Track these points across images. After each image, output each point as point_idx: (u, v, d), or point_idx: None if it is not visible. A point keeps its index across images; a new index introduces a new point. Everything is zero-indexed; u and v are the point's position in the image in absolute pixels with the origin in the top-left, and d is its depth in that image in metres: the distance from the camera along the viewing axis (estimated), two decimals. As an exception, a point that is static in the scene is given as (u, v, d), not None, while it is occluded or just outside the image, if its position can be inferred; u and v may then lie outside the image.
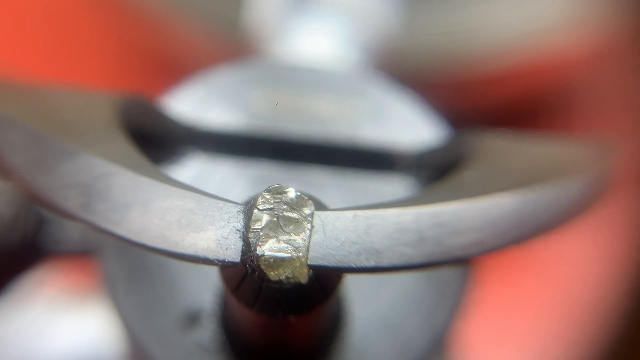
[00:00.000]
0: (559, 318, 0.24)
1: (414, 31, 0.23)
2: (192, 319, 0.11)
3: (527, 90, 0.25)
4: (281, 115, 0.12)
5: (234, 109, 0.12)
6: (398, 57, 0.19)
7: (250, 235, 0.08)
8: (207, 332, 0.11)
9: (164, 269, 0.11)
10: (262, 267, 0.08)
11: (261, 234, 0.08)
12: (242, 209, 0.09)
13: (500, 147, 0.10)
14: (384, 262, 0.08)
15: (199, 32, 0.23)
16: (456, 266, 0.11)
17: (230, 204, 0.09)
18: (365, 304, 0.11)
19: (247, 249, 0.08)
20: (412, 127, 0.12)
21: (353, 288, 0.11)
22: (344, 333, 0.11)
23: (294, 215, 0.09)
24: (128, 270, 0.11)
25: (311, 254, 0.08)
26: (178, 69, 0.24)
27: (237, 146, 0.12)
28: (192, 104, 0.12)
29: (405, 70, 0.23)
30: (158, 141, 0.11)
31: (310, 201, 0.09)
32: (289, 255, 0.08)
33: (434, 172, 0.12)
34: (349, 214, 0.09)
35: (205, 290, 0.11)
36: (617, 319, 0.22)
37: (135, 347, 0.11)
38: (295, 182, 0.12)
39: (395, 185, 0.12)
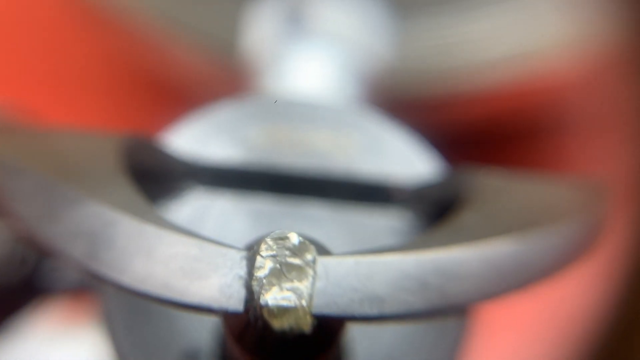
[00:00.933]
0: (547, 335, 0.24)
1: (406, 52, 0.23)
2: (191, 358, 0.11)
3: (519, 112, 0.25)
4: (279, 150, 0.12)
5: (233, 144, 0.12)
6: (388, 81, 0.20)
7: (254, 283, 0.08)
8: None
9: (163, 307, 0.11)
10: (266, 316, 0.08)
11: (264, 281, 0.08)
12: (245, 255, 0.09)
13: (497, 187, 0.11)
14: (387, 310, 0.08)
15: (194, 54, 0.23)
16: (457, 313, 0.11)
17: (234, 251, 0.09)
18: (365, 343, 0.11)
19: (251, 297, 0.08)
20: (406, 161, 0.12)
21: (355, 327, 0.11)
22: None
23: (297, 261, 0.09)
24: (127, 307, 0.11)
25: (314, 302, 0.08)
26: (173, 92, 0.24)
27: (236, 180, 0.12)
28: (191, 139, 0.12)
29: (396, 92, 0.23)
30: (159, 177, 0.11)
31: (313, 246, 0.09)
32: (293, 304, 0.08)
33: (429, 207, 0.12)
34: (351, 259, 0.09)
35: (204, 328, 0.11)
36: (605, 336, 0.23)
37: None
38: (292, 216, 0.12)
39: (391, 219, 0.12)
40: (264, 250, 0.09)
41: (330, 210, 0.12)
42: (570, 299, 0.24)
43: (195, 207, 0.12)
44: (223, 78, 0.23)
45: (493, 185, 0.11)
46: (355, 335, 0.11)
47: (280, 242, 0.09)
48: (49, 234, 0.08)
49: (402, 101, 0.23)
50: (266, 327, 0.08)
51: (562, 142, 0.26)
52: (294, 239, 0.09)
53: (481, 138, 0.25)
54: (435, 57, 0.24)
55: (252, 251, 0.09)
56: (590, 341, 0.23)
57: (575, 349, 0.23)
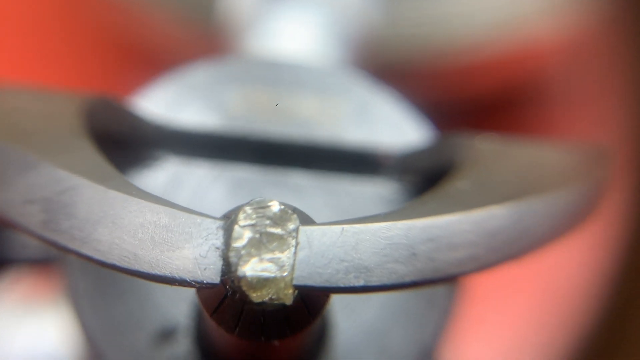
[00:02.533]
0: (540, 307, 0.23)
1: (392, 22, 0.23)
2: (165, 334, 0.10)
3: (505, 80, 0.25)
4: (260, 115, 0.11)
5: (210, 108, 0.11)
6: (375, 47, 0.19)
7: (231, 254, 0.08)
8: (182, 349, 0.10)
9: (133, 280, 0.10)
10: (244, 288, 0.08)
11: (243, 252, 0.08)
12: (221, 224, 0.08)
13: (490, 153, 0.10)
14: (374, 281, 0.08)
15: (172, 19, 0.22)
16: (449, 283, 0.10)
17: (209, 220, 0.08)
18: (349, 314, 0.10)
19: (228, 269, 0.08)
20: (397, 128, 0.11)
21: (337, 297, 0.10)
22: (327, 347, 0.10)
23: (278, 230, 0.08)
24: (93, 281, 0.10)
25: (296, 273, 0.08)
26: (150, 59, 0.23)
27: (213, 148, 0.11)
28: (164, 103, 0.11)
29: (382, 60, 0.22)
30: (128, 144, 0.11)
31: (295, 215, 0.08)
32: (273, 275, 0.08)
33: (419, 175, 0.11)
34: (337, 228, 0.08)
35: (178, 302, 0.10)
36: (599, 307, 0.22)
37: None
38: (275, 186, 0.11)
39: (379, 189, 0.11)
40: (242, 219, 0.08)
41: (315, 180, 0.11)
42: (566, 272, 0.24)
43: (169, 176, 0.11)
44: (200, 40, 0.22)
45: (487, 151, 0.10)
46: (336, 307, 0.10)
47: (260, 210, 0.08)
48: None
49: (388, 70, 0.23)
50: (244, 299, 0.08)
51: (550, 110, 0.25)
52: (275, 207, 0.08)
53: (469, 107, 0.24)
54: (420, 29, 0.23)
55: (229, 220, 0.08)
56: (586, 314, 0.22)
57: (570, 322, 0.23)
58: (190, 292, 0.10)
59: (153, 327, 0.10)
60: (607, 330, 0.22)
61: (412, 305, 0.10)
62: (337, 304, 0.10)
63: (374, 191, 0.11)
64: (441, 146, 0.11)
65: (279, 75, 0.11)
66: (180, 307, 0.10)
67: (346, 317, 0.10)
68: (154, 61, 0.23)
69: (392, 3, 0.23)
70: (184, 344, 0.10)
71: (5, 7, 0.25)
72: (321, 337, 0.10)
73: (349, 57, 0.15)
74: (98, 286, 0.10)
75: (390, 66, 0.23)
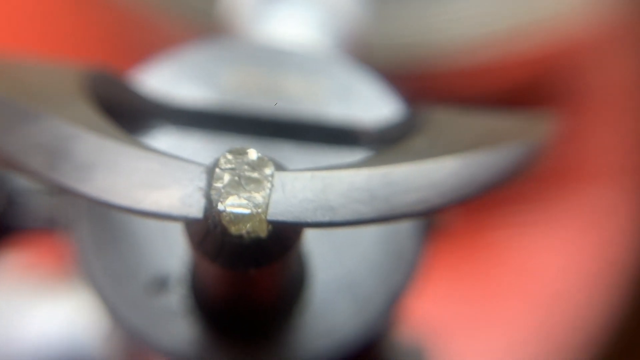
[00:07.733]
0: (535, 306, 0.24)
1: (394, 25, 0.23)
2: (161, 284, 0.11)
3: (524, 80, 0.25)
4: (250, 92, 0.12)
5: (204, 85, 0.12)
6: (376, 49, 0.19)
7: (213, 192, 0.09)
8: (176, 297, 0.11)
9: (134, 237, 0.11)
10: (224, 222, 0.09)
11: (223, 191, 0.09)
12: (205, 169, 0.09)
13: (448, 118, 0.11)
14: (338, 218, 0.09)
15: (171, 15, 0.23)
16: (404, 221, 0.11)
17: (194, 165, 0.09)
18: (327, 268, 0.11)
19: (210, 205, 0.09)
20: (374, 105, 0.12)
21: (316, 254, 0.11)
22: (306, 295, 0.11)
23: (255, 175, 0.09)
24: (98, 240, 0.11)
25: (270, 210, 0.09)
26: (148, 49, 0.24)
27: (207, 121, 0.12)
28: (161, 79, 0.12)
29: (384, 62, 0.23)
30: (125, 115, 0.12)
31: (271, 162, 0.09)
32: (249, 211, 0.09)
33: (393, 145, 0.12)
34: (307, 174, 0.09)
35: (173, 256, 0.11)
36: (593, 308, 0.23)
37: (116, 328, 0.11)
38: None
39: (358, 159, 0.12)
40: (223, 164, 0.09)
41: (300, 152, 0.12)
42: (559, 272, 0.24)
43: (164, 147, 0.12)
44: (197, 32, 0.23)
45: (443, 117, 0.11)
46: (316, 262, 0.11)
47: (239, 157, 0.09)
48: (5, 146, 0.09)
49: (397, 71, 0.23)
50: (225, 232, 0.09)
51: (568, 110, 0.25)
52: (253, 154, 0.09)
53: (481, 106, 0.24)
54: (422, 29, 0.24)
55: (212, 165, 0.09)
56: (581, 315, 0.23)
57: (564, 323, 0.23)
58: (183, 247, 0.11)
59: (150, 277, 0.11)
60: (613, 332, 0.23)
61: (383, 259, 0.11)
62: (316, 260, 0.11)
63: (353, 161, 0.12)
64: (411, 118, 0.12)
65: (269, 57, 0.13)
66: (174, 261, 0.11)
67: (323, 270, 0.11)
68: (152, 52, 0.23)
69: (400, 5, 0.23)
70: (178, 292, 0.11)
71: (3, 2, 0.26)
72: (300, 286, 0.11)
73: (341, 51, 0.16)
74: (102, 243, 0.11)
75: (394, 67, 0.23)
